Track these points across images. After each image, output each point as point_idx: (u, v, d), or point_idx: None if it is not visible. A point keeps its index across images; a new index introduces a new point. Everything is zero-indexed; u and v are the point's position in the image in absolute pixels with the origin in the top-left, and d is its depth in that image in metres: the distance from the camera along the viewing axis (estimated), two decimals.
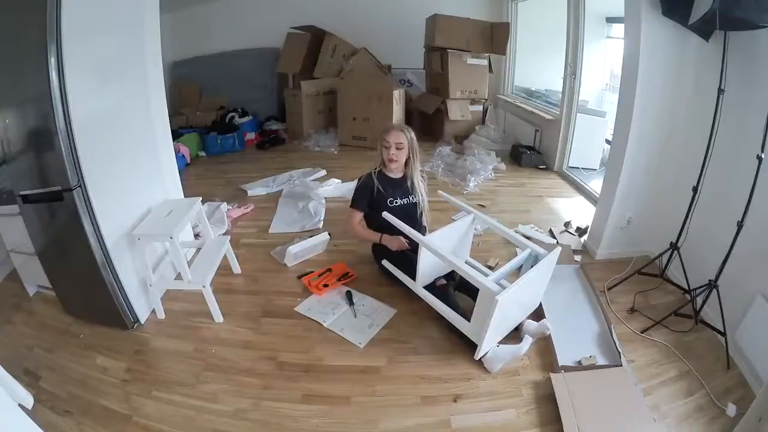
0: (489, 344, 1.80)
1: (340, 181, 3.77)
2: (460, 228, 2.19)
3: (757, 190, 1.71)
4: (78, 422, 1.59)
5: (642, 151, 2.35)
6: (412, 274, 2.06)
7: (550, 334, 1.91)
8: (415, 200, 2.33)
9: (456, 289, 2.10)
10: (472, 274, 1.74)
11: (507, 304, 1.65)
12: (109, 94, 1.96)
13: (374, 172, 2.31)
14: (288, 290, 2.33)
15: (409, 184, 2.33)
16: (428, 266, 1.99)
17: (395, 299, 2.21)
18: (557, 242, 2.79)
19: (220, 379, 1.78)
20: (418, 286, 2.04)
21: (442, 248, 1.88)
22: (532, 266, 1.85)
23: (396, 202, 2.29)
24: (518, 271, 2.00)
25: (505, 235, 2.13)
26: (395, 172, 2.33)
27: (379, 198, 2.28)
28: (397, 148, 2.23)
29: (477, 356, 1.80)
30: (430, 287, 2.05)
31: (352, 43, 5.27)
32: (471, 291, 1.94)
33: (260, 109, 5.51)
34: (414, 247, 2.02)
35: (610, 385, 1.68)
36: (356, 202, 2.34)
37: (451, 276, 2.12)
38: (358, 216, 2.36)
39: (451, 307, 1.93)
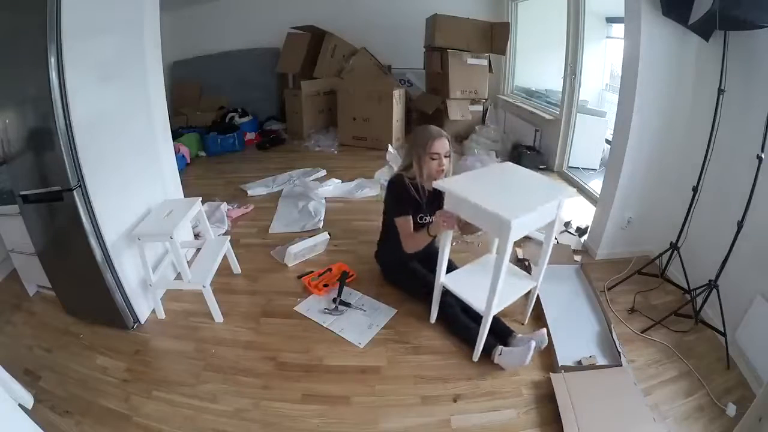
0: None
1: (340, 181, 3.77)
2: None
3: (757, 190, 1.72)
4: (78, 422, 1.59)
5: (642, 151, 2.35)
6: (421, 286, 2.06)
7: (549, 337, 1.90)
8: None
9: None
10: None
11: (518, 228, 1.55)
12: (110, 94, 1.95)
13: (407, 180, 2.03)
14: (288, 290, 2.33)
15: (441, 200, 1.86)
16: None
17: (395, 299, 2.21)
18: (557, 242, 2.79)
19: (220, 379, 1.78)
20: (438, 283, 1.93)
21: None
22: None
23: (426, 219, 2.06)
24: None
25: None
26: (428, 185, 2.02)
27: (415, 207, 2.04)
28: (445, 157, 1.95)
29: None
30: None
31: (352, 43, 5.28)
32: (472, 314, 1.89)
33: (260, 109, 5.50)
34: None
35: (610, 385, 1.68)
36: (403, 208, 2.02)
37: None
38: (410, 222, 2.02)
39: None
